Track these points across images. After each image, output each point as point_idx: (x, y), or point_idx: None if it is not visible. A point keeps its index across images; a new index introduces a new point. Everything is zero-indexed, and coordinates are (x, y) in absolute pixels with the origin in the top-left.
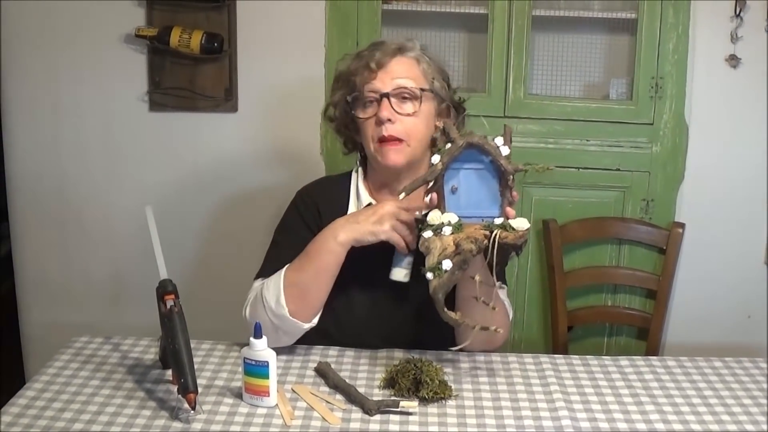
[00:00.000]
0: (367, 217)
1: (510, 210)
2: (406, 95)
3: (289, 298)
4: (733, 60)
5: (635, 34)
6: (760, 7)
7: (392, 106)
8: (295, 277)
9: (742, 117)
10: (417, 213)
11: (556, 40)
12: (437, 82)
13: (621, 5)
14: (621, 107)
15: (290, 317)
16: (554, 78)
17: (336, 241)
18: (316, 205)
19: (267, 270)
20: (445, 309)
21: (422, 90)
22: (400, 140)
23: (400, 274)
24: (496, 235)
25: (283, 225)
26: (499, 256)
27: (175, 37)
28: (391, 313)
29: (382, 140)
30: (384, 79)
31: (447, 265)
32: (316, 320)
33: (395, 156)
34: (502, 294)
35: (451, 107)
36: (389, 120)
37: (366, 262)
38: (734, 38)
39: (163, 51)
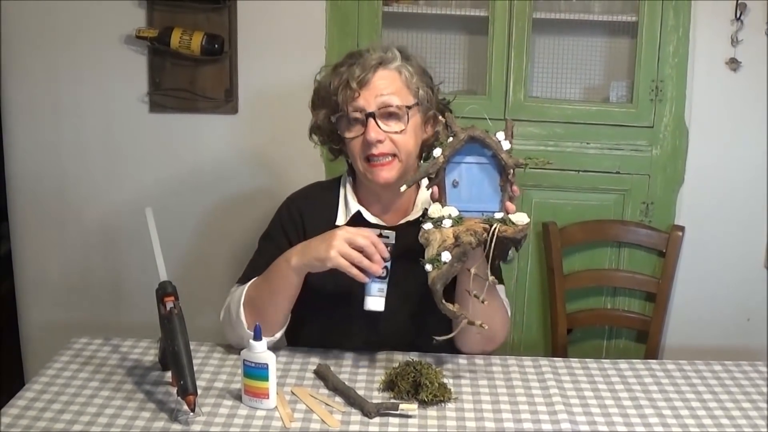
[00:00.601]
0: (318, 244)
1: (510, 204)
2: (392, 113)
3: (247, 313)
4: (734, 63)
5: (635, 37)
6: (761, 10)
7: (379, 125)
8: (253, 295)
9: (743, 120)
10: (383, 232)
11: (557, 43)
12: (422, 90)
13: (621, 8)
14: (621, 110)
15: (248, 330)
16: (554, 81)
17: (288, 265)
18: (301, 215)
19: (245, 276)
20: (443, 301)
21: (408, 107)
22: (392, 155)
23: (373, 303)
24: (495, 228)
25: (265, 232)
26: (497, 249)
27: (175, 38)
28: (383, 316)
29: (370, 159)
30: (368, 98)
31: (446, 257)
32: (279, 335)
33: (387, 174)
34: (501, 292)
35: (438, 113)
36: (378, 140)
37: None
38: (734, 41)
39: (164, 52)
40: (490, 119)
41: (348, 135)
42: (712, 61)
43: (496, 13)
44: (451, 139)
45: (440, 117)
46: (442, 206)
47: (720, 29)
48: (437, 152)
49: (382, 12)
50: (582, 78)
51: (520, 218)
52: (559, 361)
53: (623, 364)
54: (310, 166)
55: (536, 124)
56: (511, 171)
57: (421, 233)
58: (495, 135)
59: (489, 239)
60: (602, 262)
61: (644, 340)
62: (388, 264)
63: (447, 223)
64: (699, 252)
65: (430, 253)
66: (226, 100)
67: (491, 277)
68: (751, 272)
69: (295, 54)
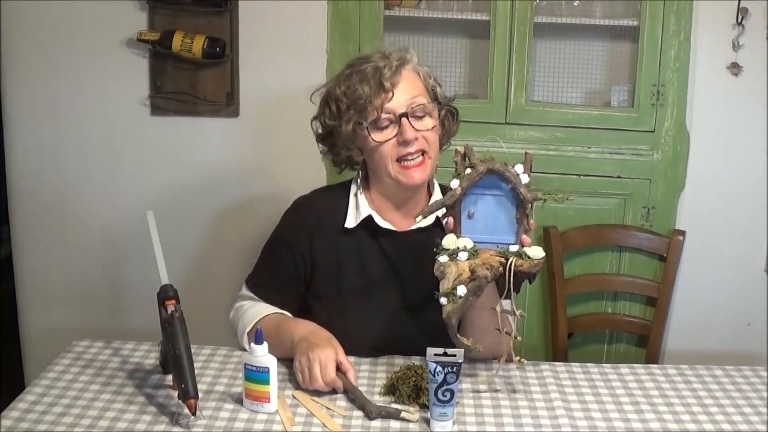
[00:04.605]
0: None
1: (526, 237)
2: (420, 112)
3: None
4: (735, 68)
5: (637, 42)
6: (762, 15)
7: (412, 125)
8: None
9: (744, 125)
10: (447, 351)
11: (558, 47)
12: (438, 89)
13: (623, 12)
14: (622, 114)
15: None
16: (556, 85)
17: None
18: (309, 221)
19: (251, 279)
20: (458, 335)
21: (438, 104)
22: (423, 153)
23: (435, 426)
24: (511, 263)
25: (272, 238)
26: (512, 282)
27: (176, 42)
28: (389, 322)
29: (402, 160)
30: (399, 98)
31: (462, 291)
32: None
33: (420, 174)
34: (507, 305)
35: (449, 112)
36: (414, 138)
37: (365, 273)
38: (736, 46)
39: (165, 55)
40: (490, 123)
41: (379, 138)
42: (714, 65)
43: (498, 17)
44: (469, 170)
45: (452, 117)
46: (457, 237)
47: (721, 34)
48: (454, 183)
49: (384, 16)
50: (583, 82)
51: (536, 252)
52: (560, 366)
53: (624, 368)
54: (311, 169)
55: (537, 128)
56: (530, 205)
57: (436, 266)
58: (514, 168)
59: (507, 275)
60: (603, 267)
61: (645, 344)
62: (453, 386)
63: (463, 256)
64: (700, 256)
65: (445, 286)
66: (227, 104)
67: (519, 311)
68: (751, 277)
69: (296, 57)
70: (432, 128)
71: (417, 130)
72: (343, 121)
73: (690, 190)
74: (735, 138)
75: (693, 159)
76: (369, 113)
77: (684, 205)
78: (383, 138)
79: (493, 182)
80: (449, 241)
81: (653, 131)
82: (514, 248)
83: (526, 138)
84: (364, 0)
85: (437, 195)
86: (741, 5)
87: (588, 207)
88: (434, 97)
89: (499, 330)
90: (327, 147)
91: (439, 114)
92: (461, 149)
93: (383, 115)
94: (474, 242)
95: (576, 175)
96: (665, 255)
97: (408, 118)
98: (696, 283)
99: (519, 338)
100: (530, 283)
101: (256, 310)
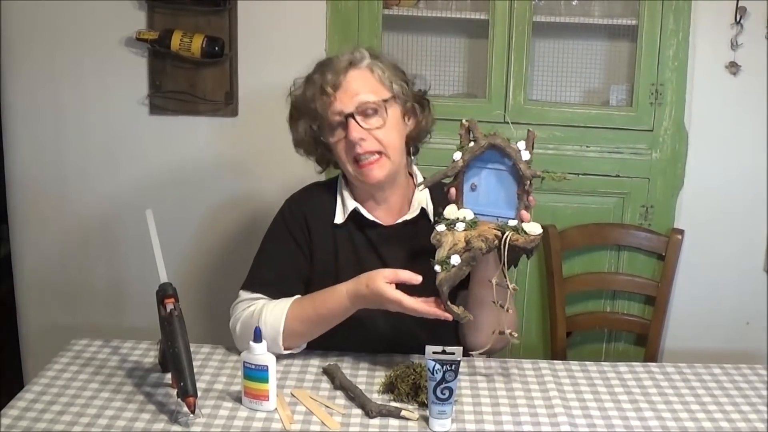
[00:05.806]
0: (373, 300)
1: (525, 213)
2: (370, 110)
3: (286, 339)
4: (733, 67)
5: (635, 41)
6: (761, 15)
7: (359, 124)
8: (298, 325)
9: (742, 124)
10: (446, 349)
11: (557, 46)
12: (395, 85)
13: (621, 11)
14: (621, 113)
15: (283, 351)
16: (554, 84)
17: (352, 307)
18: (304, 215)
19: (252, 281)
20: (449, 302)
21: (385, 101)
22: (378, 154)
23: (434, 425)
24: (507, 237)
25: (269, 235)
26: (509, 256)
27: (175, 41)
28: (393, 317)
29: (358, 160)
30: (344, 100)
31: (455, 260)
32: (304, 346)
33: (377, 172)
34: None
35: (416, 104)
36: (361, 139)
37: (360, 266)
38: (734, 45)
39: (164, 54)
40: (489, 123)
41: (332, 140)
42: (712, 64)
43: (497, 17)
44: (472, 144)
45: (421, 108)
46: (458, 208)
47: (720, 33)
48: (457, 155)
49: (383, 15)
50: (582, 81)
51: (533, 228)
52: (558, 364)
53: (623, 367)
54: (309, 168)
55: (536, 127)
56: (528, 181)
57: (433, 234)
58: (516, 144)
59: (501, 248)
60: (602, 266)
61: (644, 343)
62: (452, 384)
63: (460, 226)
64: (698, 255)
65: (440, 254)
66: (226, 103)
67: (512, 285)
68: (750, 276)
69: (295, 57)
70: (381, 126)
71: (367, 129)
72: (297, 124)
73: (688, 189)
74: (733, 137)
75: (691, 158)
76: (318, 117)
77: (682, 204)
78: (335, 139)
79: (496, 157)
80: (450, 211)
81: (652, 130)
82: (512, 223)
83: (524, 137)
84: (363, 0)
85: (420, 193)
86: (739, 5)
87: (587, 206)
88: (392, 92)
89: (494, 302)
90: (302, 151)
91: (404, 108)
92: (466, 123)
93: (331, 117)
94: (475, 214)
95: (575, 174)
96: (664, 254)
97: (355, 118)
98: (695, 281)
99: (510, 311)
100: (528, 258)
101: (280, 307)
